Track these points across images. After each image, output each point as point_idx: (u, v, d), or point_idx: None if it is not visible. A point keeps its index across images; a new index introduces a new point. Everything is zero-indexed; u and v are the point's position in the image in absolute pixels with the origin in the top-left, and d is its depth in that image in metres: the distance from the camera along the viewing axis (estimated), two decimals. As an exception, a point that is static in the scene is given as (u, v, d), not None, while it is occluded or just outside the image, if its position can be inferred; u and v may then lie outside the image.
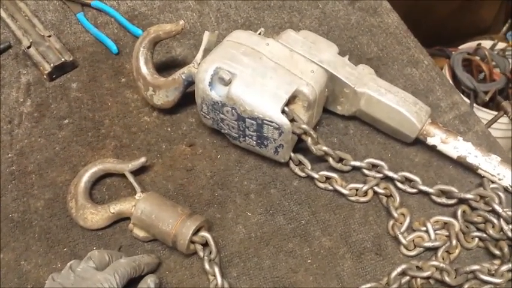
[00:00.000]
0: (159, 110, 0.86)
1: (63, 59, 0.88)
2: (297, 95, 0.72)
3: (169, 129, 0.84)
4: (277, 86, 0.70)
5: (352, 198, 0.75)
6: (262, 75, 0.71)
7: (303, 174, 0.78)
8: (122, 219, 0.73)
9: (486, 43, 1.93)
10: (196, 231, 0.68)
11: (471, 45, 1.94)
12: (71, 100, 0.87)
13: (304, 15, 0.99)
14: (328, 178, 0.77)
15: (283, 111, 0.70)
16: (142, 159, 0.76)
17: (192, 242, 0.68)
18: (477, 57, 1.81)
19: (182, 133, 0.84)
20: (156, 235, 0.69)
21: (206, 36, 0.76)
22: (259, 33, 0.78)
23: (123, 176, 0.77)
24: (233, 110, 0.71)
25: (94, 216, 0.72)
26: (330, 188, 0.76)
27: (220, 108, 0.72)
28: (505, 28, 2.13)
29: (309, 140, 0.74)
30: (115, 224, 0.74)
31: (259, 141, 0.74)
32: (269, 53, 0.74)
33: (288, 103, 0.72)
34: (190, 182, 0.78)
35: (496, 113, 1.69)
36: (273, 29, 0.97)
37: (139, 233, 0.71)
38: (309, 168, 0.77)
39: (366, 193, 0.75)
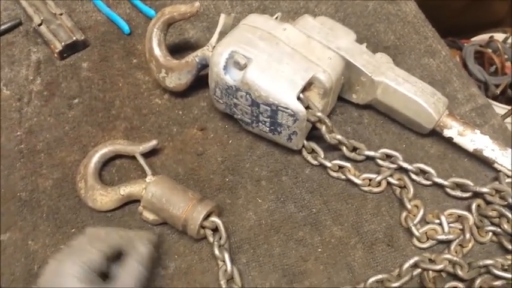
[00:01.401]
0: (170, 93, 0.84)
1: (74, 38, 0.87)
2: (313, 81, 0.71)
3: (180, 112, 0.83)
4: (293, 72, 0.69)
5: (365, 189, 0.74)
6: (279, 61, 0.69)
7: (315, 163, 0.76)
8: (132, 201, 0.73)
9: (499, 36, 1.90)
10: (206, 216, 0.67)
11: (483, 37, 1.92)
12: (81, 80, 0.86)
13: (320, 0, 0.97)
14: (341, 167, 0.75)
15: (298, 98, 0.69)
16: (154, 142, 0.75)
17: (202, 227, 0.67)
18: (489, 50, 1.79)
19: (193, 117, 0.82)
20: (166, 219, 0.69)
21: (222, 18, 0.75)
22: (276, 18, 0.77)
23: (133, 158, 0.75)
24: (247, 95, 0.70)
25: (103, 197, 0.71)
26: (343, 177, 0.75)
27: (234, 93, 0.71)
28: (517, 21, 2.10)
29: (324, 128, 0.73)
30: (124, 206, 0.73)
31: (272, 127, 0.73)
32: (286, 38, 0.72)
33: (304, 90, 0.70)
34: (201, 166, 0.77)
35: (506, 106, 1.67)
36: (288, 14, 0.95)
37: (149, 216, 0.70)
38: (322, 156, 0.75)
39: (379, 183, 0.74)
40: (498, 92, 1.73)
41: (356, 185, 0.74)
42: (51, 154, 0.78)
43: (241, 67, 0.70)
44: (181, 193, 0.68)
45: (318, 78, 0.70)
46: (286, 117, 0.70)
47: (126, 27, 0.91)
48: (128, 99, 0.84)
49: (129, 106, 0.83)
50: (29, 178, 0.76)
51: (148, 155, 0.76)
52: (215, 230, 0.68)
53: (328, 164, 0.75)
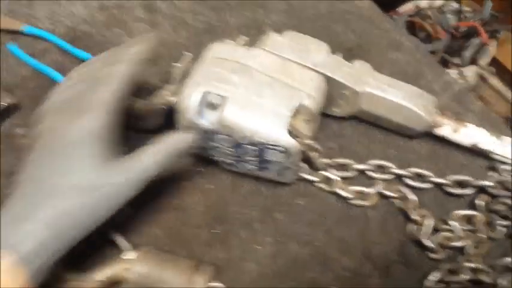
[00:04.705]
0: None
1: (5, 104, 0.74)
2: (299, 109, 0.63)
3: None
4: (277, 103, 0.61)
5: (356, 202, 0.69)
6: (258, 94, 0.61)
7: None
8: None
9: (423, 3, 1.92)
10: (206, 283, 0.59)
11: (409, 6, 1.94)
12: (20, 150, 0.74)
13: (269, 9, 0.90)
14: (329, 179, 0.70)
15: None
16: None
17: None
18: (418, 19, 1.80)
19: (161, 165, 0.73)
20: (161, 300, 0.59)
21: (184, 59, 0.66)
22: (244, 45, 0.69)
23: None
24: (229, 137, 0.62)
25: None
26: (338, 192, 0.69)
27: (212, 137, 0.63)
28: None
29: (315, 155, 0.66)
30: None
31: (260, 165, 0.65)
32: (259, 66, 0.64)
33: (289, 119, 0.63)
34: (183, 222, 0.68)
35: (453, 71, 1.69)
36: (239, 30, 0.87)
37: (137, 300, 0.60)
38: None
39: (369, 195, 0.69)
40: (438, 59, 1.75)
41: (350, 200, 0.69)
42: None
43: (216, 107, 0.61)
44: (172, 266, 0.59)
45: (303, 106, 0.62)
46: (276, 155, 0.62)
47: (59, 78, 0.79)
48: (82, 161, 0.73)
49: (85, 168, 0.72)
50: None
51: (120, 222, 0.66)
52: (218, 295, 0.60)
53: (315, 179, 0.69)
